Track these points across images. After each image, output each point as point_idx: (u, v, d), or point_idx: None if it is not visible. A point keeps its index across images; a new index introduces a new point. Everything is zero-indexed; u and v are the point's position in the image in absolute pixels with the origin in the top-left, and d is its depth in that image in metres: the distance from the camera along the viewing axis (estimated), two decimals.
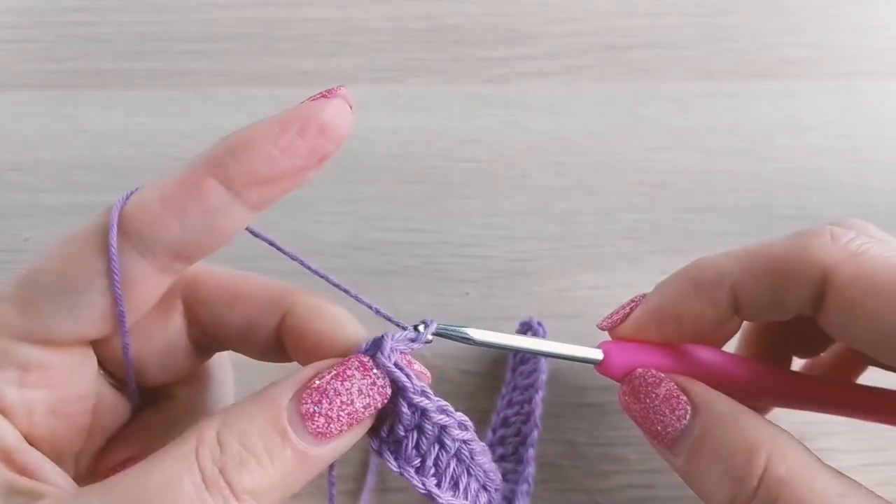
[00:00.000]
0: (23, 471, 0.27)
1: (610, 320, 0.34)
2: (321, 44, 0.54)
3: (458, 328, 0.31)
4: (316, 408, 0.27)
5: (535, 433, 0.40)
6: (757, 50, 0.55)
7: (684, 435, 0.30)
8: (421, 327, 0.30)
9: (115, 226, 0.27)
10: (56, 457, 0.29)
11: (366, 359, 0.29)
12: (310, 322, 0.31)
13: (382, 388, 0.28)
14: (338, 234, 0.48)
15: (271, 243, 0.32)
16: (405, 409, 0.29)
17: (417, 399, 0.29)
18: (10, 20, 0.55)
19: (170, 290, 0.31)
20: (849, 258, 0.29)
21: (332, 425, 0.27)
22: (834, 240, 0.30)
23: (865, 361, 0.38)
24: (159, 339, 0.32)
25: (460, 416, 0.30)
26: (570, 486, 0.41)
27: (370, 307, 0.32)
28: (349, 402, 0.28)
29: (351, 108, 0.29)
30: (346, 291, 0.32)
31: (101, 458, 0.33)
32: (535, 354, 0.37)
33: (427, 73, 0.54)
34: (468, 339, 0.31)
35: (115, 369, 0.32)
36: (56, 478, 0.28)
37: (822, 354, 0.40)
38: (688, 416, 0.30)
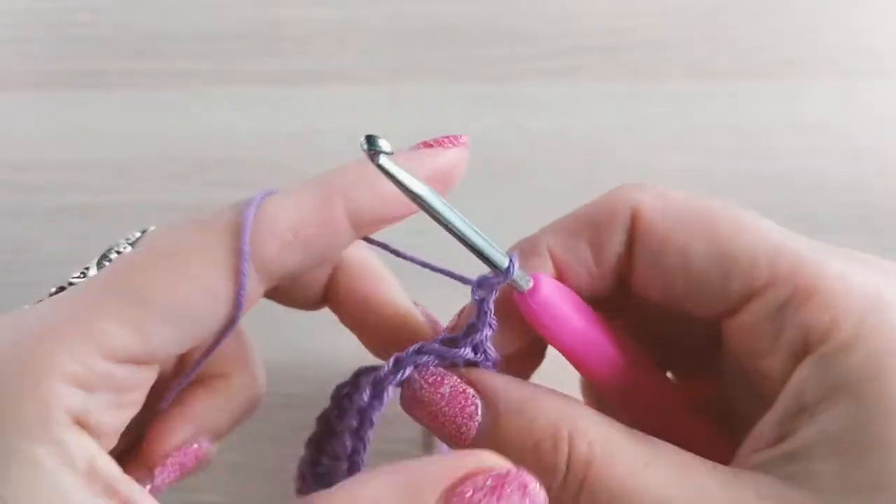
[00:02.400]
0: None
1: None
2: (321, 44, 0.54)
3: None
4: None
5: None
6: (757, 50, 0.55)
7: (480, 433, 0.27)
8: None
9: (248, 257, 0.26)
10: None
11: (528, 478, 0.25)
12: (357, 282, 0.31)
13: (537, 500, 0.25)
14: None
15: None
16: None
17: None
18: (10, 20, 0.55)
19: None
20: (656, 197, 0.30)
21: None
22: (642, 186, 0.30)
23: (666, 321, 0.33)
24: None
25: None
26: None
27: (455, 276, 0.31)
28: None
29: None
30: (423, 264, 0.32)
31: (152, 438, 0.32)
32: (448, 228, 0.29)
33: (427, 73, 0.54)
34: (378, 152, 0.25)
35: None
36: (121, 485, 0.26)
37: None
38: (479, 412, 0.28)
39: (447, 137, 0.29)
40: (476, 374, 0.29)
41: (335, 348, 0.43)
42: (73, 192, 0.49)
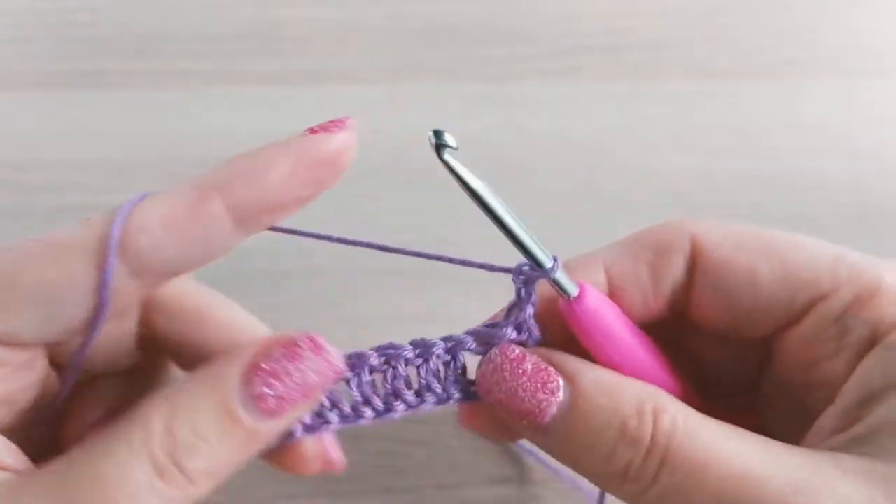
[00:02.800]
0: None
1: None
2: (321, 44, 0.54)
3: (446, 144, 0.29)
4: (267, 389, 0.27)
5: None
6: (757, 50, 0.55)
7: (561, 409, 0.28)
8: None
9: (116, 249, 0.26)
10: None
11: (319, 338, 0.28)
12: (177, 321, 0.32)
13: (338, 366, 0.28)
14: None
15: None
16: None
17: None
18: (10, 20, 0.55)
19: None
20: (714, 227, 0.32)
21: (284, 403, 0.27)
22: (695, 219, 0.32)
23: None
24: (109, 338, 0.32)
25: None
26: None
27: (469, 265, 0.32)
28: (301, 381, 0.27)
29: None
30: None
31: (66, 421, 0.33)
32: (501, 227, 0.31)
33: (427, 73, 0.54)
34: (445, 145, 0.29)
35: (60, 358, 0.31)
36: (8, 459, 0.28)
37: None
38: (560, 390, 0.28)
39: (333, 122, 0.29)
40: (555, 354, 0.29)
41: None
42: (73, 192, 0.49)
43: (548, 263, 0.29)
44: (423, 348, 0.30)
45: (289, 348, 0.27)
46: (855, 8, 0.56)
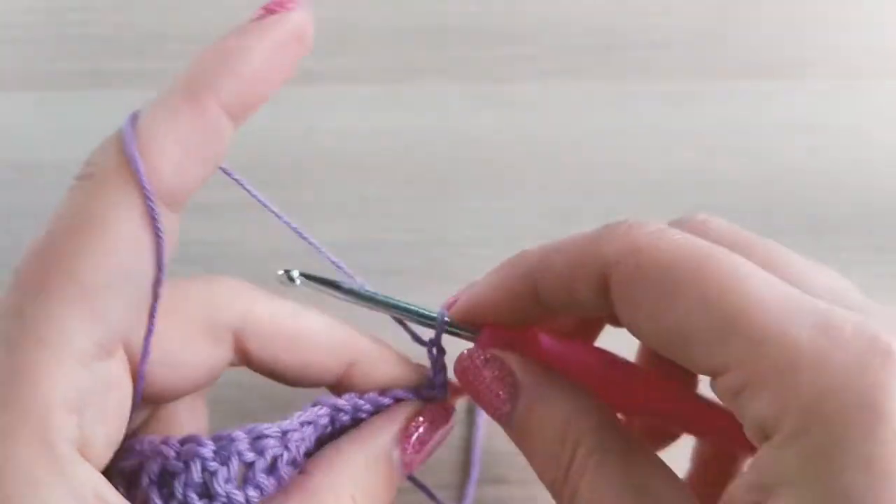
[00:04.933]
0: None
1: (451, 298, 0.35)
2: (321, 44, 0.54)
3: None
4: (415, 455, 0.31)
5: None
6: (757, 50, 0.55)
7: (515, 410, 0.31)
8: None
9: (153, 197, 0.25)
10: None
11: (450, 407, 0.33)
12: (376, 370, 0.33)
13: (451, 425, 0.33)
14: (338, 234, 0.48)
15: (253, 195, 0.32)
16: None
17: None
18: (10, 20, 0.55)
19: (219, 322, 0.30)
20: (630, 254, 0.27)
21: (420, 463, 0.32)
22: (624, 233, 0.28)
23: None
24: (200, 369, 0.30)
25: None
26: None
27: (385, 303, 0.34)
28: (434, 441, 0.32)
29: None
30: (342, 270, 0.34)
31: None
32: (384, 310, 0.34)
33: (427, 73, 0.54)
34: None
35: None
36: None
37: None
38: (509, 401, 0.31)
39: (277, 1, 0.28)
40: (515, 362, 0.31)
41: None
42: None
43: (436, 315, 0.33)
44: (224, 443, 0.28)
45: (430, 415, 0.33)
46: (855, 8, 0.56)
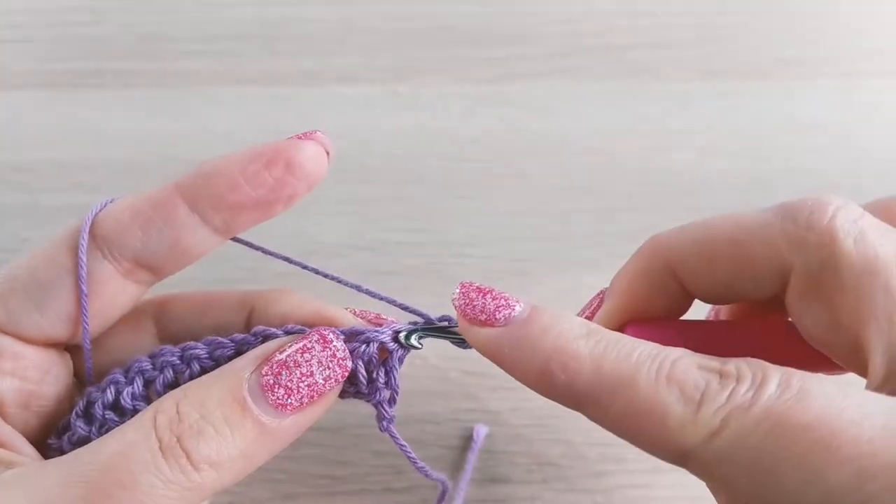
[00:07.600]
0: None
1: (595, 301, 0.34)
2: (321, 44, 0.54)
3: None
4: (275, 378, 0.28)
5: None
6: (757, 50, 0.55)
7: (514, 313, 0.29)
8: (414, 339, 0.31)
9: (87, 230, 0.29)
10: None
11: (326, 331, 0.29)
12: (272, 308, 0.33)
13: (343, 360, 0.29)
14: (338, 234, 0.48)
15: (264, 250, 0.33)
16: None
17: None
18: (10, 20, 0.55)
19: (140, 311, 0.33)
20: (827, 244, 0.30)
21: (292, 397, 0.28)
22: (809, 225, 0.31)
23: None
24: (128, 352, 0.33)
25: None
26: (569, 487, 0.41)
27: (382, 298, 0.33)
28: (309, 373, 0.28)
29: (328, 153, 0.31)
30: (357, 288, 0.33)
31: None
32: None
33: (427, 73, 0.54)
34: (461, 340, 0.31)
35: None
36: (26, 449, 0.29)
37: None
38: (519, 306, 0.29)
39: (306, 133, 0.31)
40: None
41: None
42: (73, 192, 0.49)
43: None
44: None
45: (299, 341, 0.29)
46: (855, 8, 0.56)
